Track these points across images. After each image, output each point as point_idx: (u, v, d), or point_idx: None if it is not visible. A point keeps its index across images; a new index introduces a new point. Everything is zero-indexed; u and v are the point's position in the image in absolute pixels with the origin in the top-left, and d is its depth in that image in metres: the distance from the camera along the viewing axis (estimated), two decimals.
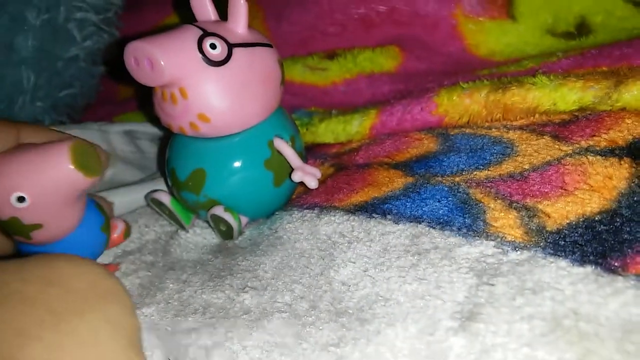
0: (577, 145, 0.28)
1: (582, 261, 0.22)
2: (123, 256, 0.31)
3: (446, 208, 0.27)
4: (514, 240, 0.24)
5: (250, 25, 0.29)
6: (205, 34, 0.27)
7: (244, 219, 0.31)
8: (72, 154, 0.22)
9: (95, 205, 0.27)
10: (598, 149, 0.27)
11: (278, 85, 0.29)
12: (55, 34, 0.40)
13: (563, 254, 0.22)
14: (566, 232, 0.24)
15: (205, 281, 0.27)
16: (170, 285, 0.27)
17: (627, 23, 0.39)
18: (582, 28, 0.40)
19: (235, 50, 0.27)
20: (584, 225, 0.24)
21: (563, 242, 0.23)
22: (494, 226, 0.25)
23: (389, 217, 0.27)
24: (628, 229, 0.23)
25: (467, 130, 0.33)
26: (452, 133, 0.33)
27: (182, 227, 0.32)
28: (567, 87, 0.30)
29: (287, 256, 0.27)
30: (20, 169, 0.22)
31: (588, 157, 0.27)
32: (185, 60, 0.26)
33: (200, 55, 0.26)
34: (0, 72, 0.38)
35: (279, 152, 0.30)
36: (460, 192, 0.28)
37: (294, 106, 0.40)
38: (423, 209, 0.27)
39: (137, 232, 0.32)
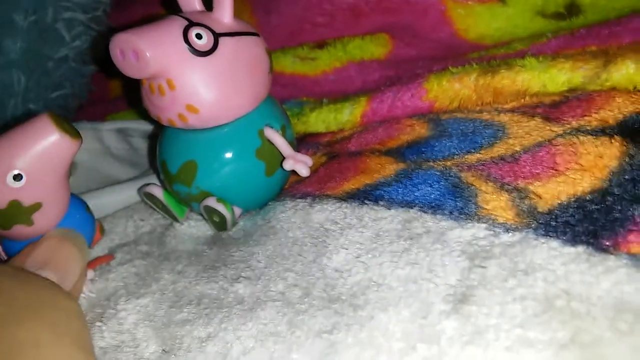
0: (568, 126, 0.28)
1: (574, 241, 0.22)
2: (119, 247, 0.31)
3: (438, 192, 0.27)
4: (506, 222, 0.24)
5: (238, 17, 0.28)
6: (191, 24, 0.27)
7: (237, 210, 0.31)
8: (54, 121, 0.23)
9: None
10: (589, 128, 0.27)
11: (266, 73, 0.29)
12: (43, 35, 0.40)
13: (555, 234, 0.22)
14: (557, 212, 0.23)
15: (199, 272, 0.27)
16: (166, 275, 0.27)
17: (616, 3, 0.39)
18: (572, 8, 0.40)
19: (222, 40, 0.27)
20: (575, 205, 0.24)
21: (554, 223, 0.23)
22: (485, 209, 0.25)
23: (381, 203, 0.27)
24: (619, 207, 0.23)
25: (458, 115, 0.33)
26: (443, 118, 0.33)
27: (176, 220, 0.32)
28: (556, 68, 0.30)
29: (280, 245, 0.27)
30: (10, 149, 0.23)
31: (579, 136, 0.27)
32: (171, 51, 0.26)
33: (186, 46, 0.26)
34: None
35: (269, 141, 0.29)
36: (451, 176, 0.27)
37: (285, 97, 0.40)
38: (415, 194, 0.27)
39: (133, 226, 0.32)
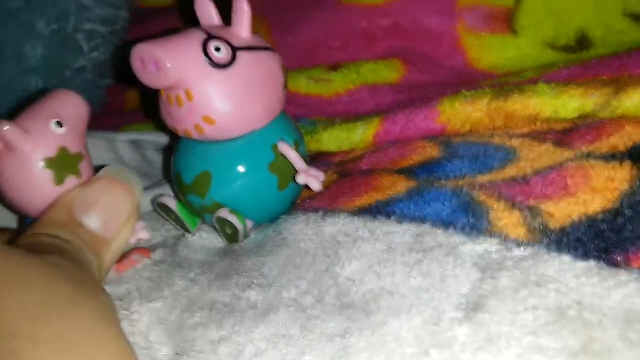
0: (579, 151, 0.29)
1: (586, 256, 0.22)
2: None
3: (450, 209, 0.27)
4: (518, 238, 0.24)
5: (255, 32, 0.29)
6: (210, 37, 0.27)
7: (250, 223, 0.31)
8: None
9: None
10: (599, 154, 0.28)
11: (281, 89, 0.30)
12: (63, 44, 0.41)
13: (566, 250, 0.23)
14: (569, 230, 0.24)
15: (212, 280, 0.27)
16: (179, 282, 0.27)
17: (626, 37, 0.40)
18: (583, 42, 0.41)
19: (240, 54, 0.28)
20: (586, 224, 0.24)
21: (566, 240, 0.23)
22: (497, 225, 0.25)
23: (393, 218, 0.27)
24: (630, 227, 0.23)
25: (470, 138, 0.33)
26: (455, 141, 0.33)
27: (188, 232, 0.32)
28: (568, 94, 0.31)
29: (292, 255, 0.27)
30: (47, 105, 0.26)
31: (590, 161, 0.27)
32: (191, 63, 0.27)
33: (205, 58, 0.27)
34: (10, 80, 0.39)
35: (283, 155, 0.30)
36: (463, 194, 0.28)
37: (299, 116, 0.41)
38: (427, 210, 0.27)
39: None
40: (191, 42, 0.27)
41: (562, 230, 0.24)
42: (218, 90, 0.27)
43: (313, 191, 0.30)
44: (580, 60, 0.37)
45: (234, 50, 0.28)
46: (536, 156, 0.30)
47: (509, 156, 0.30)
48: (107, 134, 0.39)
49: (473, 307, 0.21)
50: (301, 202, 0.33)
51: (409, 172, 0.31)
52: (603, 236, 0.23)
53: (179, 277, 0.28)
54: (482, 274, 0.22)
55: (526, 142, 0.31)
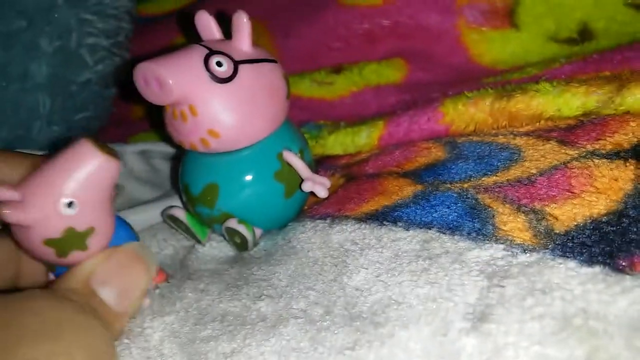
0: (583, 149, 0.29)
1: (591, 262, 0.22)
2: None
3: (455, 214, 0.27)
4: (523, 243, 0.24)
5: (256, 44, 0.29)
6: (211, 52, 0.28)
7: (258, 231, 0.31)
8: (95, 145, 0.23)
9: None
10: (604, 152, 0.28)
11: (284, 98, 0.30)
12: (68, 60, 0.42)
13: (571, 255, 0.23)
14: (574, 233, 0.24)
15: (222, 290, 0.27)
16: (189, 294, 0.28)
17: (629, 28, 0.40)
18: (585, 34, 0.41)
19: (241, 67, 0.28)
20: (591, 227, 0.24)
21: (571, 244, 0.23)
22: (503, 230, 0.25)
23: (399, 224, 0.28)
24: (635, 229, 0.23)
25: (474, 138, 0.33)
26: (459, 141, 0.33)
27: (199, 242, 0.33)
28: (570, 92, 0.31)
29: (301, 264, 0.28)
30: (57, 177, 0.23)
31: (594, 160, 0.27)
32: (193, 79, 0.27)
33: (207, 73, 0.27)
34: (17, 98, 0.39)
35: (288, 164, 0.30)
36: (469, 198, 0.28)
37: (303, 120, 0.41)
38: (433, 215, 0.28)
39: (156, 247, 0.33)
40: (192, 58, 0.27)
41: (567, 233, 0.24)
42: (221, 104, 0.27)
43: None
44: (582, 54, 0.37)
45: (236, 63, 0.28)
46: (541, 155, 0.30)
47: (514, 156, 0.30)
48: (116, 146, 0.39)
49: (480, 317, 0.21)
50: (309, 208, 0.33)
51: (414, 176, 0.32)
52: (608, 239, 0.23)
53: (189, 289, 0.28)
54: (489, 281, 0.23)
55: (530, 140, 0.31)
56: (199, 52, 0.27)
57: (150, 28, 0.53)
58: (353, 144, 0.36)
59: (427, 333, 0.21)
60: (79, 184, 0.23)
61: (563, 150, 0.29)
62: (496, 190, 0.28)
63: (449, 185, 0.30)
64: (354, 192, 0.32)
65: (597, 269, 0.22)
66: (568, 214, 0.25)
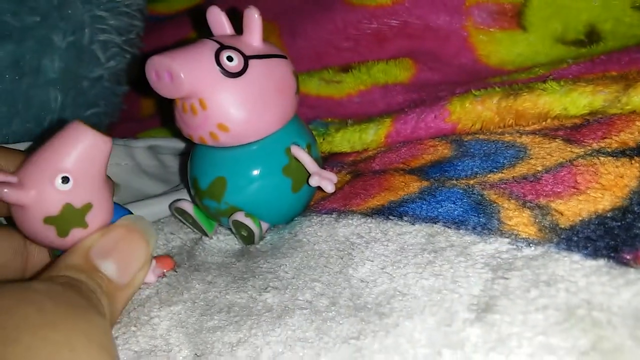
0: (589, 147, 0.29)
1: (595, 255, 0.22)
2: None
3: (461, 209, 0.28)
4: (528, 237, 0.24)
5: (266, 40, 0.30)
6: (222, 47, 0.28)
7: (265, 225, 0.32)
8: (87, 125, 0.24)
9: None
10: (609, 150, 0.28)
11: (293, 94, 0.30)
12: (80, 56, 0.42)
13: (576, 248, 0.23)
14: (579, 228, 0.24)
15: (229, 283, 0.28)
16: (197, 285, 0.28)
17: (636, 30, 0.40)
18: (592, 36, 0.41)
19: (251, 62, 0.28)
20: (596, 222, 0.24)
21: (576, 238, 0.24)
22: (508, 224, 0.26)
23: (405, 218, 0.28)
24: (639, 224, 0.23)
25: (481, 136, 0.34)
26: (465, 139, 0.34)
27: (206, 235, 0.33)
28: (577, 91, 0.31)
29: (307, 257, 0.28)
30: (52, 155, 0.24)
31: (600, 158, 0.28)
32: (204, 73, 0.27)
33: (218, 68, 0.27)
34: (29, 93, 0.40)
35: (296, 159, 0.30)
36: (474, 194, 0.28)
37: (310, 118, 0.41)
38: (438, 210, 0.28)
39: (163, 239, 0.33)
40: (204, 52, 0.28)
41: (572, 228, 0.24)
42: (231, 98, 0.28)
43: (326, 192, 0.31)
44: (590, 55, 0.37)
45: (246, 58, 0.28)
46: (546, 153, 0.30)
47: (520, 154, 0.31)
48: (125, 141, 0.40)
49: (484, 308, 0.21)
50: (315, 203, 0.34)
51: (420, 172, 0.32)
52: (612, 234, 0.23)
53: (197, 281, 0.28)
54: (493, 273, 0.23)
55: (536, 139, 0.32)
56: (210, 47, 0.28)
57: (161, 27, 0.53)
58: (360, 141, 0.37)
59: (432, 323, 0.21)
60: (73, 159, 0.24)
61: (569, 149, 0.30)
62: (502, 186, 0.28)
63: (454, 182, 0.30)
64: (360, 187, 0.32)
65: (602, 262, 0.22)
66: (573, 209, 0.25)
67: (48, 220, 0.24)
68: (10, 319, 0.19)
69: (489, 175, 0.30)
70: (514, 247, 0.24)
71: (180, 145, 0.42)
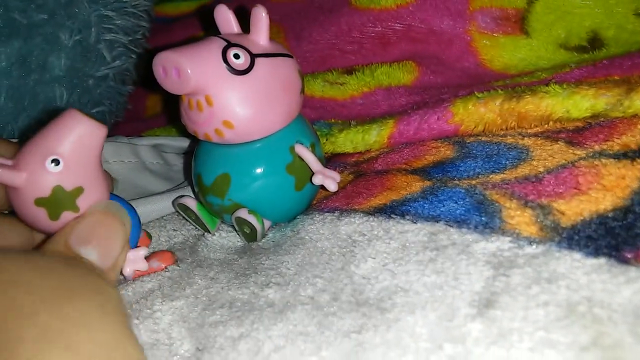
0: (591, 150, 0.29)
1: (596, 253, 0.23)
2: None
3: (463, 208, 0.28)
4: (530, 236, 0.25)
5: (273, 39, 0.30)
6: (229, 44, 0.28)
7: (267, 223, 0.32)
8: (81, 113, 0.25)
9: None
10: (611, 152, 0.28)
11: (298, 93, 0.30)
12: (86, 54, 0.42)
13: (577, 247, 0.23)
14: (580, 227, 0.24)
15: (231, 279, 0.28)
16: (199, 281, 0.28)
17: (638, 36, 0.40)
18: (595, 42, 0.41)
19: (258, 60, 0.29)
20: (597, 222, 0.24)
21: (577, 237, 0.24)
22: (509, 223, 0.26)
23: (407, 217, 0.28)
24: None
25: (483, 138, 0.34)
26: (468, 141, 0.34)
27: (208, 232, 0.33)
28: (579, 94, 0.31)
29: (309, 254, 0.28)
30: (45, 139, 0.25)
31: (601, 159, 0.28)
32: (211, 69, 0.27)
33: (225, 65, 0.28)
34: (35, 89, 0.40)
35: (300, 157, 0.31)
36: (476, 193, 0.28)
37: (314, 119, 0.41)
38: (441, 209, 0.28)
39: (166, 236, 0.34)
40: (211, 49, 0.28)
41: (573, 227, 0.24)
42: (237, 96, 0.28)
43: (329, 191, 0.31)
44: (592, 60, 0.37)
45: (252, 56, 0.28)
46: (548, 155, 0.30)
47: (522, 155, 0.31)
48: (130, 139, 0.40)
49: (485, 304, 0.21)
50: (317, 202, 0.34)
51: (423, 172, 0.32)
52: (613, 233, 0.23)
53: (199, 276, 0.29)
54: (495, 271, 0.23)
55: (538, 141, 0.32)
56: (217, 44, 0.28)
57: (166, 28, 0.54)
58: (363, 142, 0.37)
59: (433, 318, 0.21)
60: (64, 143, 0.24)
61: (571, 151, 0.30)
62: (504, 186, 0.28)
63: (457, 182, 0.30)
64: (362, 187, 0.33)
65: (603, 260, 0.22)
66: (575, 209, 0.25)
67: (39, 202, 0.25)
68: (28, 294, 0.19)
69: (491, 176, 0.30)
70: (516, 245, 0.24)
71: (184, 144, 0.42)
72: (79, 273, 0.22)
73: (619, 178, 0.26)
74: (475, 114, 0.33)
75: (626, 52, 0.37)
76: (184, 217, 0.34)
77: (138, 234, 0.29)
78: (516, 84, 0.36)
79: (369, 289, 0.24)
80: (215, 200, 0.31)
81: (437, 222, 0.27)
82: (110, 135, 0.46)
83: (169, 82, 0.28)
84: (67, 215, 0.25)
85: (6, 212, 0.28)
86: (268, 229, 0.33)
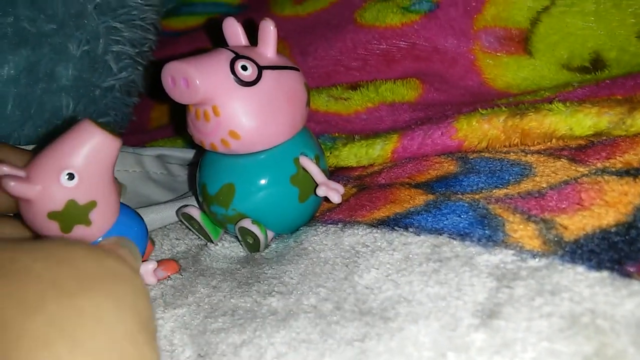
0: (594, 167, 0.29)
1: (599, 267, 0.23)
2: None
3: (466, 222, 0.28)
4: (533, 249, 0.25)
5: (280, 52, 0.30)
6: (237, 56, 0.29)
7: (270, 233, 0.32)
8: (96, 124, 0.25)
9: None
10: (613, 169, 0.29)
11: (304, 106, 0.31)
12: (93, 65, 0.43)
13: (580, 261, 0.23)
14: (583, 242, 0.24)
15: (233, 288, 0.28)
16: (201, 289, 0.28)
17: None
18: (597, 63, 0.41)
19: (265, 72, 0.29)
20: (600, 236, 0.24)
21: (580, 251, 0.24)
22: (513, 237, 0.26)
23: (410, 229, 0.28)
24: None
25: (486, 154, 0.34)
26: (471, 157, 0.34)
27: (211, 241, 0.33)
28: (582, 112, 0.31)
29: (312, 264, 0.28)
30: (60, 152, 0.24)
31: (604, 176, 0.28)
32: (219, 80, 0.28)
33: (233, 76, 0.28)
34: (42, 98, 0.40)
35: (304, 169, 0.31)
36: (480, 207, 0.29)
37: (318, 132, 0.42)
38: (444, 222, 0.28)
39: (169, 245, 0.34)
40: (219, 60, 0.28)
41: (576, 241, 0.24)
42: (244, 107, 0.28)
43: (332, 204, 0.31)
44: (595, 79, 0.38)
45: (260, 68, 0.29)
46: (551, 171, 0.30)
47: (525, 171, 0.31)
48: (134, 149, 0.40)
49: (489, 314, 0.21)
50: (321, 214, 0.34)
51: (426, 186, 0.32)
52: (616, 248, 0.23)
53: (201, 285, 0.29)
54: (498, 282, 0.23)
55: (541, 158, 0.32)
56: (225, 56, 0.29)
57: (172, 41, 0.54)
58: (367, 156, 0.37)
59: (437, 328, 0.21)
60: (79, 157, 0.24)
61: (574, 168, 0.30)
62: (507, 201, 0.29)
63: (460, 196, 0.30)
64: (366, 200, 0.33)
65: (605, 273, 0.22)
66: (577, 224, 0.25)
67: (52, 215, 0.24)
68: (37, 284, 0.19)
69: (494, 191, 0.30)
70: (519, 258, 0.24)
71: (188, 155, 0.42)
72: (101, 260, 0.21)
73: (621, 194, 0.26)
74: (478, 130, 0.34)
75: (628, 72, 0.38)
76: (187, 227, 0.34)
77: (145, 244, 0.29)
78: (519, 102, 0.37)
79: (372, 299, 0.24)
80: (220, 210, 0.31)
81: (441, 234, 0.27)
82: None
83: (177, 92, 0.28)
84: (79, 229, 0.25)
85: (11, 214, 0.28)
86: (271, 240, 0.33)
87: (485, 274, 0.24)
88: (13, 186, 0.23)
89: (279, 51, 0.31)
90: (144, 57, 0.47)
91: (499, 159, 0.33)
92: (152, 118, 0.54)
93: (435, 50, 0.45)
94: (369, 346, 0.21)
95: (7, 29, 0.38)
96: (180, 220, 0.34)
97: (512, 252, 0.25)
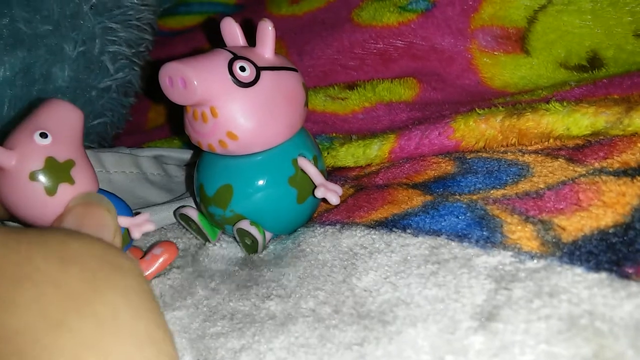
0: (591, 167, 0.29)
1: (597, 268, 0.23)
2: None
3: (464, 223, 0.28)
4: (531, 251, 0.25)
5: (278, 53, 0.30)
6: (236, 57, 0.29)
7: (268, 235, 0.32)
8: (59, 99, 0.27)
9: None
10: (611, 170, 0.28)
11: (302, 106, 0.31)
12: (90, 66, 0.43)
13: (578, 262, 0.23)
14: (581, 243, 0.24)
15: (232, 290, 0.28)
16: (200, 291, 0.28)
17: (637, 57, 0.40)
18: (594, 62, 0.42)
19: (263, 73, 0.29)
20: (598, 237, 0.24)
21: (578, 252, 0.24)
22: (511, 238, 0.26)
23: (408, 230, 0.28)
24: None
25: (483, 154, 0.34)
26: (468, 157, 0.34)
27: (209, 242, 0.33)
28: (579, 112, 0.31)
29: (310, 266, 0.28)
30: (32, 120, 0.26)
31: (602, 176, 0.28)
32: (217, 81, 0.28)
33: (231, 77, 0.28)
34: (39, 100, 0.40)
35: (302, 170, 0.31)
36: (477, 208, 0.29)
37: (315, 132, 0.42)
38: (442, 223, 0.28)
39: None
40: (217, 61, 0.28)
41: (574, 243, 0.24)
42: (242, 108, 0.28)
43: (330, 205, 0.31)
44: (592, 78, 0.38)
45: (258, 69, 0.29)
46: (549, 172, 0.30)
47: (522, 171, 0.31)
48: (131, 150, 0.40)
49: (487, 317, 0.21)
50: (318, 215, 0.34)
51: (423, 187, 0.32)
52: (614, 249, 0.23)
53: (200, 286, 0.29)
54: (496, 284, 0.23)
55: (539, 158, 0.32)
56: (223, 56, 0.28)
57: (169, 41, 0.54)
58: (364, 156, 0.37)
59: (435, 331, 0.21)
60: (48, 118, 0.26)
61: (571, 168, 0.30)
62: (504, 202, 0.29)
63: (457, 197, 0.30)
64: (363, 201, 0.33)
65: (604, 275, 0.22)
66: (575, 225, 0.25)
67: (34, 176, 0.25)
68: (56, 291, 0.18)
69: (491, 191, 0.30)
70: (517, 260, 0.24)
71: (185, 156, 0.42)
72: (102, 254, 0.20)
73: (619, 195, 0.26)
74: (476, 130, 0.34)
75: (625, 71, 0.38)
76: (184, 228, 0.34)
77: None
78: (517, 101, 0.37)
79: (370, 302, 0.24)
80: (217, 211, 0.31)
81: (439, 236, 0.27)
82: (111, 146, 0.46)
83: (175, 93, 0.28)
84: (64, 189, 0.25)
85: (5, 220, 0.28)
86: (269, 241, 0.33)
87: (483, 276, 0.24)
88: None
89: (276, 51, 0.31)
90: (140, 58, 0.47)
91: (496, 159, 0.33)
92: (149, 119, 0.53)
93: (433, 49, 0.45)
94: (367, 350, 0.21)
95: (2, 31, 0.38)
96: (178, 222, 0.34)
97: (510, 253, 0.25)
